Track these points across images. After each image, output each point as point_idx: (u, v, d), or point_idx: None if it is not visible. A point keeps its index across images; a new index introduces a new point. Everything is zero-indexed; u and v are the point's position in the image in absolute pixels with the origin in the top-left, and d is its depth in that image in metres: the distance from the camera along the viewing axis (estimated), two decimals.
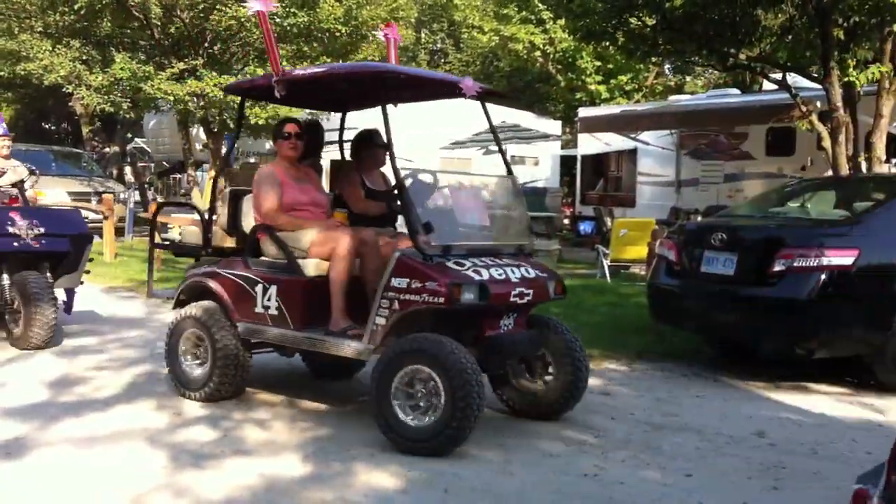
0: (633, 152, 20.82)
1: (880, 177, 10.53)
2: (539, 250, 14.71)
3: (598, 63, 27.04)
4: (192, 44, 18.01)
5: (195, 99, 17.28)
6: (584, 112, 22.38)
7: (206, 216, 6.11)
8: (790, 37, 12.57)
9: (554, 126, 24.56)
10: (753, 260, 6.91)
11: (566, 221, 25.39)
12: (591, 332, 8.71)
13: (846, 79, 11.30)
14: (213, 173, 19.59)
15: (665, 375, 7.26)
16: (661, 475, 4.68)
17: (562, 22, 20.54)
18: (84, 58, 17.93)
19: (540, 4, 23.81)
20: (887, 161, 12.46)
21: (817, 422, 5.84)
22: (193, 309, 5.88)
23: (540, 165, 24.09)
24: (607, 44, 13.88)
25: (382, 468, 4.68)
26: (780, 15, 12.15)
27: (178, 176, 29.32)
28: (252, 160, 21.66)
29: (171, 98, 17.07)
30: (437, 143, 20.66)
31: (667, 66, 28.68)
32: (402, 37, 21.15)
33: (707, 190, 18.33)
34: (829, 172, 12.05)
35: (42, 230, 7.55)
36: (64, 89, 18.42)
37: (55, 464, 4.71)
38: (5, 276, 7.61)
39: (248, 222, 6.00)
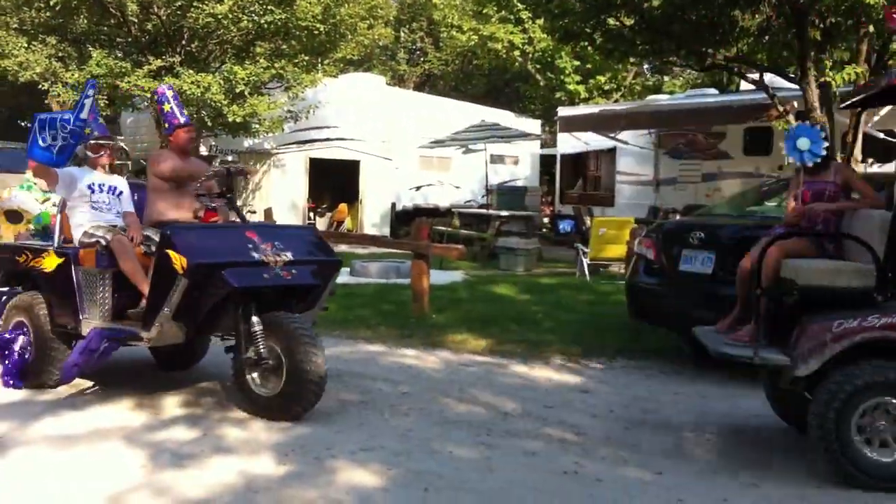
0: (612, 151, 20.90)
1: None
2: (518, 249, 14.78)
3: (577, 63, 27.16)
4: (170, 41, 17.88)
5: None
6: (563, 111, 22.45)
7: None
8: (767, 37, 12.66)
9: (533, 125, 24.65)
10: (731, 258, 6.93)
11: (546, 220, 25.46)
12: (571, 329, 8.76)
13: (823, 79, 11.40)
14: None
15: (644, 373, 7.30)
16: (640, 472, 4.71)
17: (540, 22, 20.60)
18: (60, 54, 17.74)
19: (519, 4, 23.87)
20: (863, 161, 12.59)
21: None
22: None
23: (520, 164, 24.18)
24: (586, 44, 13.94)
25: (363, 466, 4.68)
26: (757, 16, 12.23)
27: None
28: (230, 158, 21.56)
29: (149, 95, 16.94)
30: (415, 142, 20.72)
31: (645, 66, 28.81)
32: (381, 35, 21.18)
33: (685, 189, 18.43)
34: None
35: (289, 255, 5.67)
36: (40, 86, 18.21)
37: (34, 463, 4.68)
38: (255, 318, 5.47)
39: None
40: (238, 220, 6.70)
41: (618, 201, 20.32)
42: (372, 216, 20.66)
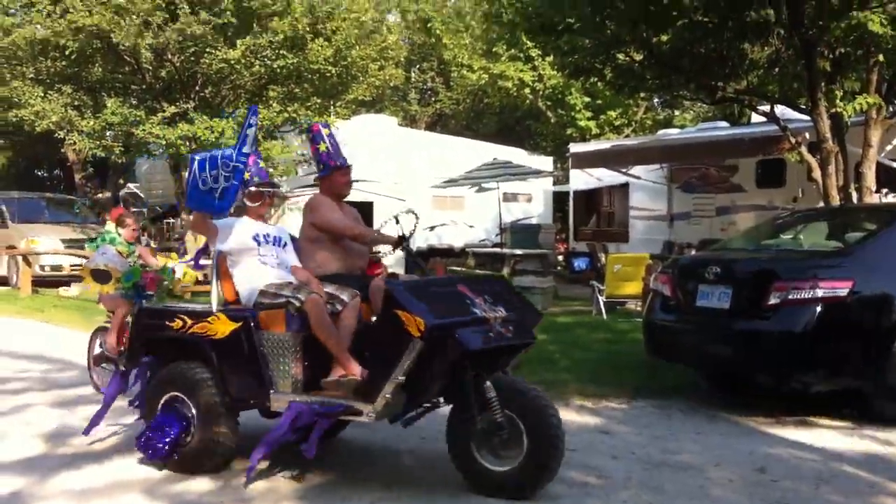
0: (624, 187, 20.90)
1: (871, 206, 10.57)
2: (534, 287, 14.74)
3: (588, 99, 27.24)
4: (183, 87, 18.11)
5: (187, 142, 17.35)
6: (575, 148, 22.48)
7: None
8: (777, 69, 12.68)
9: (545, 162, 24.69)
10: (748, 293, 6.91)
11: (560, 258, 25.42)
12: (588, 369, 8.70)
13: (834, 110, 11.38)
14: None
15: (663, 412, 7.23)
16: None
17: (550, 59, 20.72)
18: (76, 103, 17.96)
19: (528, 42, 24.04)
20: (878, 191, 12.53)
21: (819, 456, 5.80)
22: None
23: (533, 202, 24.19)
24: (596, 79, 13.99)
25: None
26: (766, 48, 12.26)
27: (172, 220, 29.33)
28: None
29: (163, 142, 17.12)
30: (428, 182, 20.76)
31: (655, 100, 28.89)
32: (392, 76, 21.31)
33: (699, 223, 18.38)
34: (821, 203, 12.10)
35: (502, 311, 5.02)
36: (56, 135, 18.44)
37: None
38: (488, 383, 4.81)
39: None
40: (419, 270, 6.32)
41: (632, 237, 20.28)
42: (386, 257, 20.67)
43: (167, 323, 5.52)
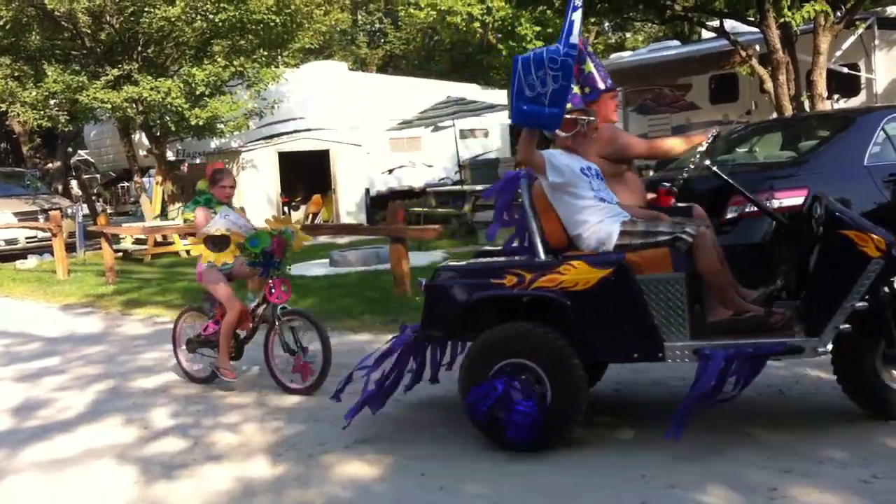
0: None
1: (823, 114, 10.61)
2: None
3: (538, 28, 26.96)
4: (125, 49, 17.67)
5: (133, 105, 17.00)
6: None
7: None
8: None
9: (500, 96, 24.53)
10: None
11: None
12: None
13: (782, 19, 11.36)
14: (160, 179, 19.32)
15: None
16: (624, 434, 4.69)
17: None
18: (16, 74, 17.50)
19: None
20: (829, 98, 12.59)
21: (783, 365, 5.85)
22: None
23: (490, 137, 24.10)
24: (544, 7, 13.84)
25: (359, 458, 4.64)
26: None
27: (126, 184, 28.89)
28: (198, 161, 21.39)
29: (109, 106, 16.74)
30: (384, 125, 20.59)
31: (606, 24, 28.71)
32: (339, 20, 20.97)
33: None
34: (774, 114, 12.15)
35: None
36: None
37: (26, 491, 4.62)
38: None
39: None
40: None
41: None
42: (347, 204, 20.55)
43: (493, 281, 4.67)
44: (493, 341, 4.61)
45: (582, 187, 4.70)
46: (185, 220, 5.34)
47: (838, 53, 14.04)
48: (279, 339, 6.17)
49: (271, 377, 6.27)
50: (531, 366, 4.50)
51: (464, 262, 5.23)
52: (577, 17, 4.41)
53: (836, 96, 13.84)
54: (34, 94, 16.98)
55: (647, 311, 4.43)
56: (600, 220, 4.67)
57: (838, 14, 11.82)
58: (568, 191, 4.70)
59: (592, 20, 19.15)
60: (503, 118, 24.47)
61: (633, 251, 4.54)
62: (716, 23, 13.06)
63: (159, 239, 16.59)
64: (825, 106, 11.81)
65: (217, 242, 6.07)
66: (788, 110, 11.54)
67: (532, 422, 4.43)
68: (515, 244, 5.40)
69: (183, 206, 17.14)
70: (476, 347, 4.66)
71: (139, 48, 17.78)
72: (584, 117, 4.88)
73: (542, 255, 4.72)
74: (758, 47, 12.87)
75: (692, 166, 5.28)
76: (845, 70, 14.29)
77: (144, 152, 20.54)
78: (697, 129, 17.23)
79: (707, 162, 5.07)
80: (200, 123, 17.07)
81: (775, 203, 6.51)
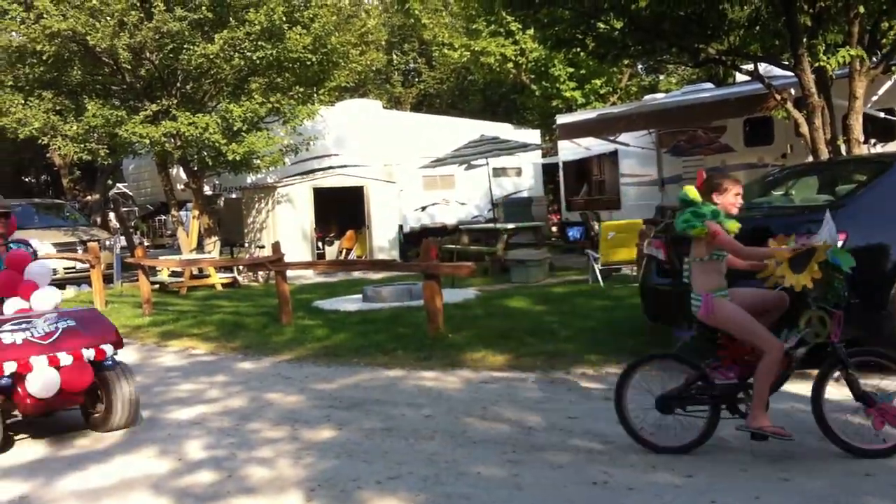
0: (613, 154, 20.89)
1: (860, 158, 10.56)
2: (530, 260, 14.74)
3: (571, 69, 27.17)
4: (164, 84, 17.99)
5: (171, 139, 17.26)
6: (562, 119, 22.45)
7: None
8: (758, 27, 12.63)
9: (533, 135, 24.66)
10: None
11: (554, 229, 25.43)
12: (588, 337, 8.71)
13: (817, 64, 11.36)
14: (196, 213, 19.55)
15: (666, 375, 7.22)
16: (670, 477, 4.66)
17: (531, 32, 20.61)
18: (57, 108, 17.85)
19: (508, 17, 23.94)
20: (865, 142, 12.53)
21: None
22: None
23: (523, 175, 24.18)
24: (578, 49, 13.93)
25: (392, 494, 4.64)
26: (745, 7, 12.22)
27: (163, 217, 29.24)
28: (234, 195, 21.64)
29: (147, 141, 17.04)
30: (417, 162, 20.73)
31: (639, 66, 28.82)
32: (374, 60, 21.23)
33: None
34: (810, 158, 12.10)
35: None
36: (40, 141, 18.34)
37: None
38: None
39: None
40: None
41: (624, 203, 20.28)
42: (380, 241, 20.66)
43: None
44: None
45: None
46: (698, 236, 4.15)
47: (874, 98, 13.99)
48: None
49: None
50: None
51: None
52: None
53: (872, 141, 13.77)
54: (75, 127, 17.30)
55: None
56: None
57: (874, 59, 11.80)
58: None
59: (626, 62, 19.27)
60: (536, 157, 24.59)
61: None
62: (750, 66, 13.08)
63: (195, 272, 16.84)
64: (861, 150, 11.75)
65: (799, 261, 4.91)
66: (825, 154, 11.49)
67: None
68: None
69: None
70: None
71: (178, 84, 18.09)
72: None
73: None
74: (793, 91, 12.86)
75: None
76: (882, 115, 14.23)
77: (182, 186, 20.84)
78: (733, 171, 17.24)
79: None
80: (237, 158, 17.30)
81: None
